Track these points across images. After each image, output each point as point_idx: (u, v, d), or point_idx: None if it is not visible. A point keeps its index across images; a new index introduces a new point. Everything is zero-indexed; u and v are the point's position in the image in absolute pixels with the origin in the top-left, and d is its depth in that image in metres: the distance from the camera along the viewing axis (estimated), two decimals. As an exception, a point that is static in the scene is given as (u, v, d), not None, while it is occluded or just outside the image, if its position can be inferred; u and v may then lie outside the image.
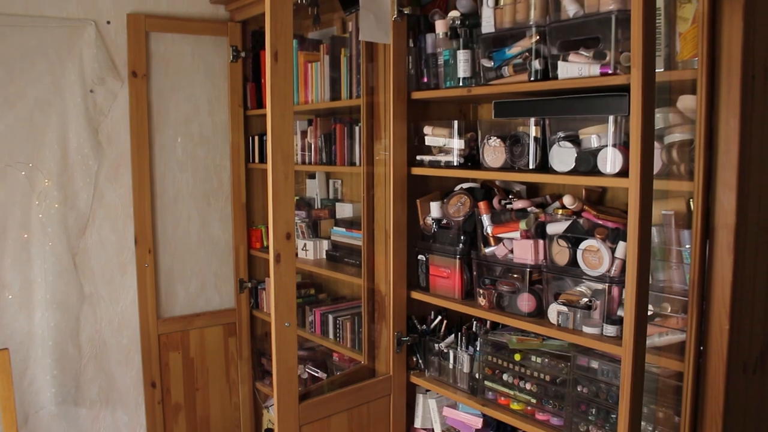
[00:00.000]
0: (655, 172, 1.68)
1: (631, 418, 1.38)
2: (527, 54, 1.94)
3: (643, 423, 1.71)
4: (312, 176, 3.33)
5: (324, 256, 3.06)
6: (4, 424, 2.25)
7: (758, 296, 1.66)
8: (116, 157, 2.95)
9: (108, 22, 2.87)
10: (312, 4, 2.61)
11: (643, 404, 1.76)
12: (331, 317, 2.93)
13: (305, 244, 3.08)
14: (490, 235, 2.14)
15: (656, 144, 1.68)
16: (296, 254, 3.06)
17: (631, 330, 1.35)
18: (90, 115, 2.85)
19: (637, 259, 1.31)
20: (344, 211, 3.08)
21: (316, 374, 3.12)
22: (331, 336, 2.93)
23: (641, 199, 1.29)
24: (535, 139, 1.96)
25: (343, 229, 2.95)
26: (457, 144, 2.23)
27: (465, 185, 2.35)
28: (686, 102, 1.61)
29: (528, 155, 1.98)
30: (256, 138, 3.30)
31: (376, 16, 2.23)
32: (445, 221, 2.33)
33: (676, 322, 1.67)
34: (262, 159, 3.29)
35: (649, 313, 1.74)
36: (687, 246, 1.62)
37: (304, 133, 3.06)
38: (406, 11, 2.26)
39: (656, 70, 1.64)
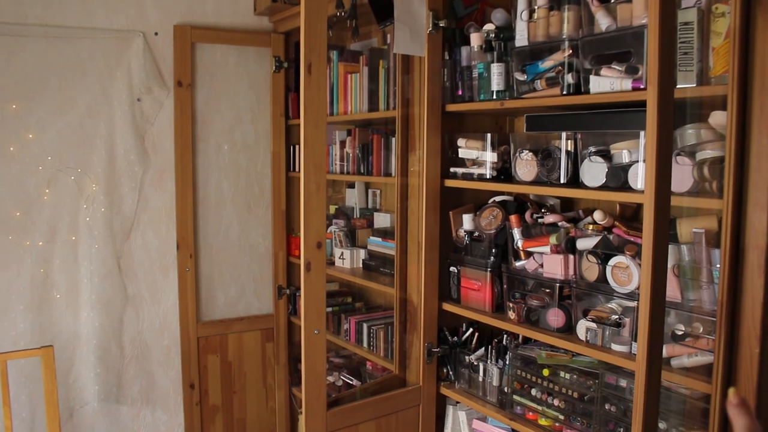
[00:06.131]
0: (686, 189, 1.66)
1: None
2: (560, 68, 1.93)
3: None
4: (351, 186, 3.37)
5: (360, 265, 3.08)
6: (48, 417, 2.35)
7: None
8: (161, 164, 3.05)
9: (156, 34, 2.98)
10: (351, 17, 2.65)
11: (668, 425, 1.72)
12: (365, 326, 2.95)
13: (342, 253, 3.11)
14: (521, 248, 2.13)
15: (688, 161, 1.65)
16: (333, 263, 3.14)
17: (645, 347, 1.33)
18: (137, 123, 2.96)
19: (651, 275, 1.29)
20: (381, 221, 3.10)
21: (351, 382, 3.15)
22: (365, 344, 2.95)
23: (656, 214, 1.28)
24: (567, 153, 1.95)
25: (379, 239, 2.97)
26: (489, 157, 2.23)
27: (498, 198, 2.35)
28: (718, 118, 1.58)
29: (559, 169, 1.96)
30: (297, 147, 3.35)
31: (411, 29, 2.24)
32: (477, 234, 2.32)
33: (706, 343, 1.63)
34: (302, 168, 3.34)
35: (679, 333, 1.70)
36: (718, 265, 1.58)
37: (342, 143, 3.10)
38: (442, 24, 2.27)
39: (688, 86, 1.62)
